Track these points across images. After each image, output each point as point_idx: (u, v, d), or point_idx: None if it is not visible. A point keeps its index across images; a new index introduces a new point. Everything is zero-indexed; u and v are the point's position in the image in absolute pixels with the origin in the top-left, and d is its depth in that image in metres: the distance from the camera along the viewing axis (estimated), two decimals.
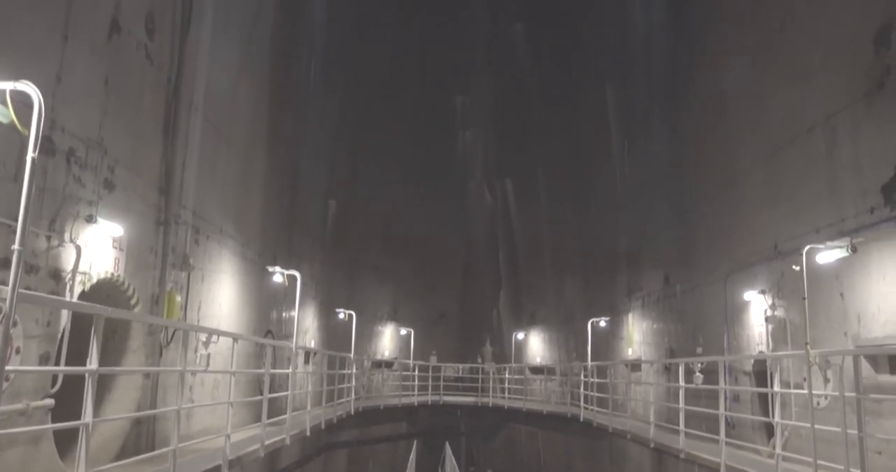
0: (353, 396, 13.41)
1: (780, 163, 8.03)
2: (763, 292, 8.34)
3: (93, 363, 3.55)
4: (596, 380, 13.66)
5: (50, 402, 4.68)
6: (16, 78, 3.29)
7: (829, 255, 6.22)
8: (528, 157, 20.86)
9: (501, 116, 21.73)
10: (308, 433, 9.30)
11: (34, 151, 3.13)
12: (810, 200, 7.30)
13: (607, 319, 15.39)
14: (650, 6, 13.87)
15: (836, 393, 5.24)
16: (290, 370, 9.44)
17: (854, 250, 5.91)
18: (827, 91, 7.01)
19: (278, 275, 9.57)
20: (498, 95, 21.68)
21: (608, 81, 16.65)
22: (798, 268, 6.22)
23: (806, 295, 6.21)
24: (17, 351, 4.30)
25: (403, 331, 20.65)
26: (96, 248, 5.46)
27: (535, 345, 21.64)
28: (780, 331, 7.91)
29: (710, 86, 10.48)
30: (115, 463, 4.60)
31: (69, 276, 5.04)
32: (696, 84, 11.18)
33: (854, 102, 6.49)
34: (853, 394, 4.73)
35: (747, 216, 9.01)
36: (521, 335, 21.81)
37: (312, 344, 14.08)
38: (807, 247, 6.23)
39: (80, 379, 3.67)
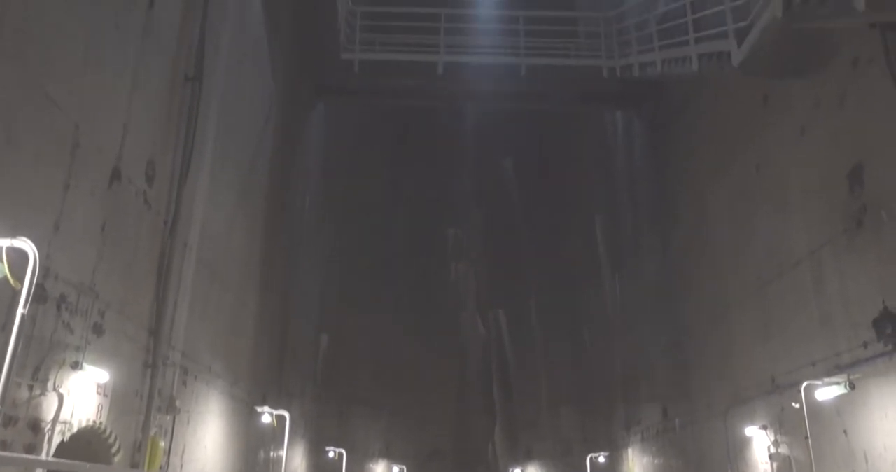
0: None
1: (769, 296, 8.10)
2: (764, 427, 8.12)
3: None
4: None
5: None
6: (14, 230, 3.35)
7: (827, 391, 6.13)
8: (520, 287, 21.00)
9: (493, 248, 22.07)
10: None
11: (24, 306, 3.13)
12: (803, 334, 7.29)
13: (606, 454, 14.86)
14: (632, 140, 14.50)
15: None
16: None
17: (852, 386, 5.84)
18: (809, 226, 7.21)
19: (267, 416, 9.30)
20: (489, 228, 22.14)
21: (596, 211, 17.14)
22: (798, 405, 6.11)
23: (808, 434, 6.07)
24: None
25: (396, 469, 19.82)
26: (80, 395, 5.32)
27: None
28: (785, 469, 7.63)
29: (694, 218, 10.77)
30: None
31: (48, 426, 4.87)
32: (680, 216, 11.49)
33: (836, 237, 6.66)
34: None
35: (742, 348, 8.96)
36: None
37: None
38: (804, 383, 6.16)
39: None
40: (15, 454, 4.40)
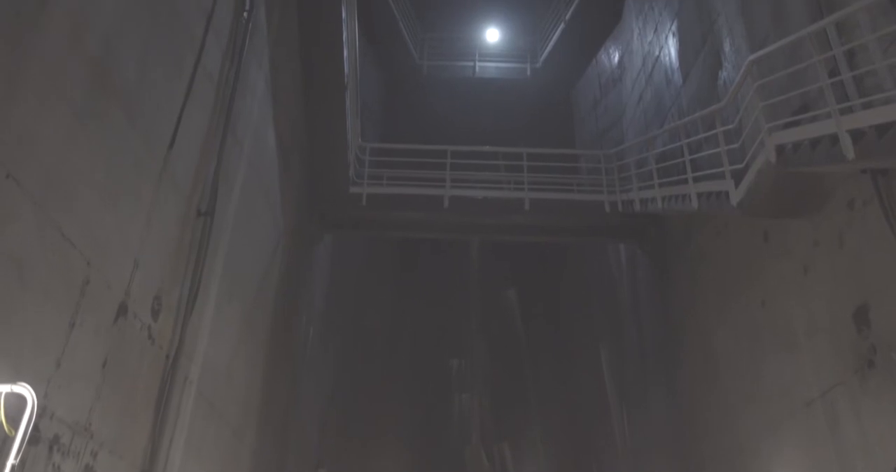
0: None
1: (784, 436, 7.83)
2: None
3: None
4: None
5: None
6: (16, 371, 3.31)
7: None
8: (525, 419, 20.41)
9: (497, 379, 21.67)
10: None
11: (16, 456, 3.04)
12: None
13: None
14: (636, 271, 14.59)
15: None
16: None
17: None
18: (819, 366, 7.09)
19: None
20: (493, 358, 21.85)
21: (602, 342, 16.95)
22: None
23: None
24: None
25: None
26: None
27: None
28: None
29: (700, 353, 10.61)
30: None
31: None
32: (686, 350, 11.33)
33: (847, 378, 6.53)
34: None
35: None
36: None
37: None
38: None
39: None
40: None
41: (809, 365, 7.24)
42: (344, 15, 11.10)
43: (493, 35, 22.54)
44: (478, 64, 21.43)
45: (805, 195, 6.92)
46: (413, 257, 20.89)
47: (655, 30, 13.65)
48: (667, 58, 12.84)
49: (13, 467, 2.96)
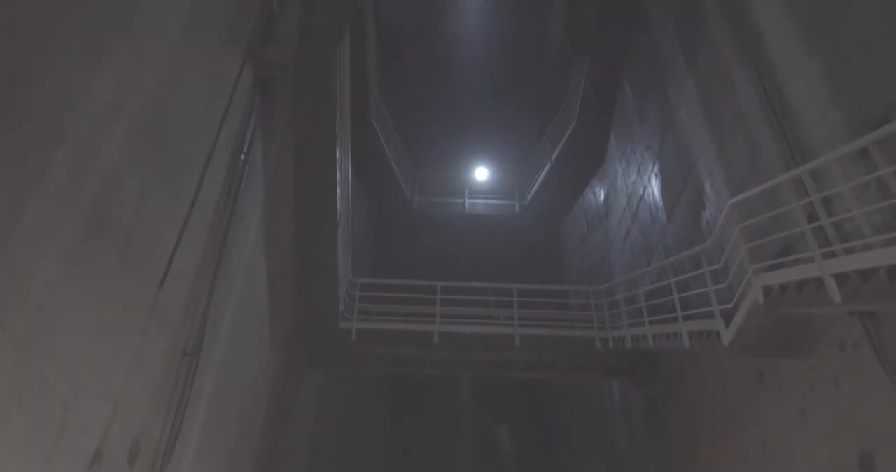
0: None
1: None
2: None
3: None
4: None
5: None
6: None
7: None
8: None
9: None
10: None
11: None
12: None
13: None
14: (630, 409, 14.24)
15: None
16: None
17: None
18: None
19: None
20: None
21: None
22: None
23: None
24: None
25: None
26: None
27: None
28: None
29: None
30: None
31: None
32: None
33: None
34: None
35: None
36: None
37: None
38: None
39: None
40: None
41: None
42: (338, 156, 11.54)
43: (481, 173, 23.38)
44: (467, 200, 22.05)
45: (796, 336, 6.91)
46: (403, 392, 20.41)
47: (638, 171, 14.20)
48: (651, 197, 13.27)
49: None
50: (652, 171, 13.22)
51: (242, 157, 8.98)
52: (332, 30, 10.03)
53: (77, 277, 5.10)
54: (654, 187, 13.05)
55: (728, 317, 7.81)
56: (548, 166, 19.88)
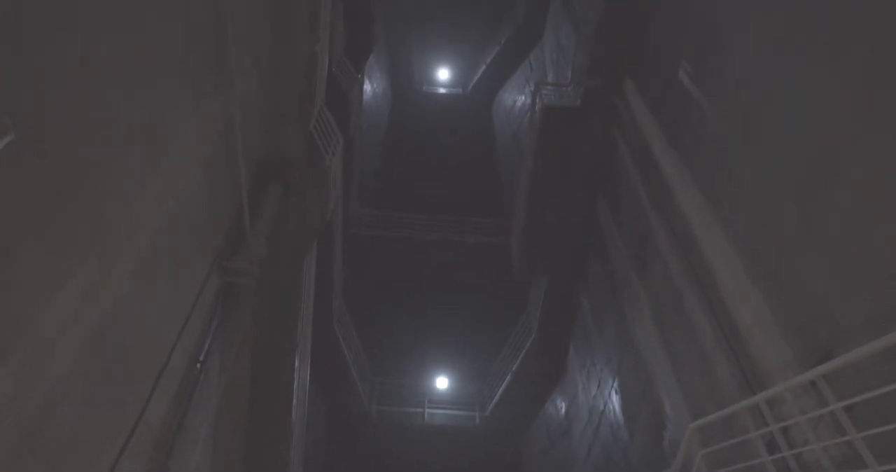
0: None
1: None
2: None
3: None
4: None
5: None
6: None
7: None
8: None
9: None
10: None
11: None
12: None
13: None
14: None
15: None
16: None
17: None
18: None
19: None
20: None
21: None
22: None
23: None
24: None
25: None
26: None
27: None
28: None
29: None
30: None
31: None
32: None
33: None
34: None
35: None
36: None
37: None
38: None
39: None
40: None
41: None
42: (297, 364, 11.38)
43: (442, 382, 23.06)
44: (427, 410, 21.47)
45: None
46: None
47: (599, 385, 14.17)
48: (612, 413, 13.11)
49: None
50: (612, 386, 13.20)
51: (198, 365, 8.81)
52: (302, 244, 10.40)
53: None
54: (615, 403, 12.94)
55: None
56: (508, 378, 19.75)
